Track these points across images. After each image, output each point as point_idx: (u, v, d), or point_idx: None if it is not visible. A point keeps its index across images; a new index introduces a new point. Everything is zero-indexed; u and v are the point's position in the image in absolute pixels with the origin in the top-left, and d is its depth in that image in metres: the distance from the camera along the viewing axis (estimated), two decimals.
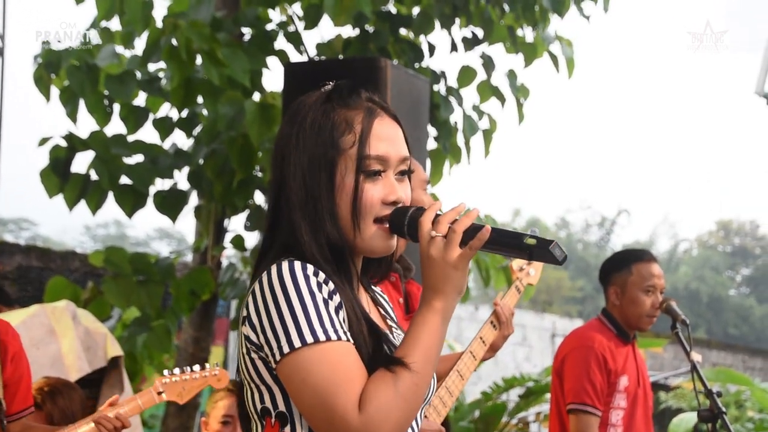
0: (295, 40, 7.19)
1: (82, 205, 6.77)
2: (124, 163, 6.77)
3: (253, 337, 1.75)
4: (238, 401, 1.90)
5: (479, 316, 15.17)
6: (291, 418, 1.76)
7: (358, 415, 1.66)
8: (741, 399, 10.61)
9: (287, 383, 1.72)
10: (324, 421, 1.69)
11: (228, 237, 7.32)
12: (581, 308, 37.88)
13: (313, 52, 7.26)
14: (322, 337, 1.69)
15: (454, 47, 7.62)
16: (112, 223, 40.10)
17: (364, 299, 1.91)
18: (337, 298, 1.75)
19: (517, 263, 3.80)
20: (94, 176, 6.71)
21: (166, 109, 7.17)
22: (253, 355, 1.76)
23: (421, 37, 7.52)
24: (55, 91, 6.79)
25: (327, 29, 15.12)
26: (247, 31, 7.14)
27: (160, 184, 6.98)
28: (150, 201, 6.89)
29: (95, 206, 6.77)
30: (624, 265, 4.40)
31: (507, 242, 1.76)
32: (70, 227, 41.10)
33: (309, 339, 1.69)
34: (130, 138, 6.92)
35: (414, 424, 1.82)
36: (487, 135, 7.67)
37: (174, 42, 6.44)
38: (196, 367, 3.84)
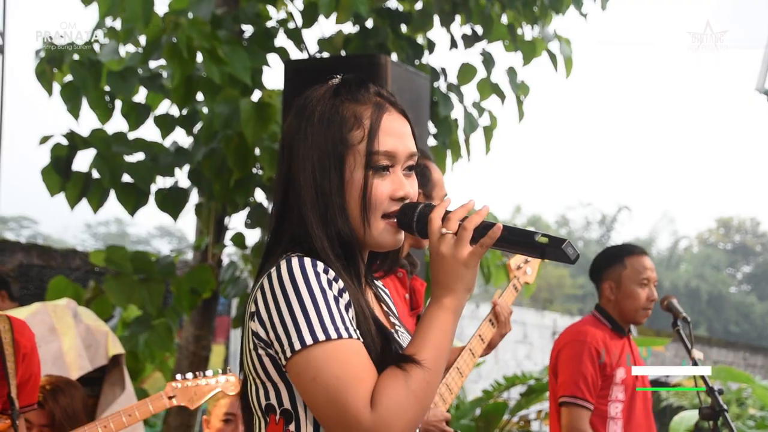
0: (296, 37, 7.18)
1: (83, 203, 6.76)
2: (125, 161, 6.75)
3: (261, 333, 1.74)
4: (239, 395, 1.88)
5: (480, 314, 15.16)
6: (296, 415, 1.74)
7: (370, 413, 1.65)
8: (742, 397, 10.62)
9: (297, 381, 1.71)
10: (335, 420, 1.67)
11: (229, 235, 7.32)
12: (582, 306, 37.86)
13: (313, 49, 7.25)
14: (333, 335, 1.68)
15: (453, 44, 7.62)
16: (113, 221, 40.17)
17: (369, 296, 1.90)
18: (346, 296, 1.74)
19: (514, 262, 3.78)
20: (95, 174, 6.69)
21: (167, 107, 7.16)
22: (261, 352, 1.75)
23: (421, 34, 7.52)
24: (56, 88, 6.78)
25: (327, 26, 15.12)
26: (247, 28, 7.13)
27: (161, 182, 6.97)
28: (151, 199, 6.88)
29: (96, 205, 6.75)
30: (617, 260, 4.39)
31: (518, 240, 1.72)
32: (71, 225, 41.19)
33: (320, 337, 1.68)
34: (131, 135, 6.91)
35: None
36: (488, 132, 7.66)
37: (174, 40, 6.43)
38: (209, 372, 3.84)
